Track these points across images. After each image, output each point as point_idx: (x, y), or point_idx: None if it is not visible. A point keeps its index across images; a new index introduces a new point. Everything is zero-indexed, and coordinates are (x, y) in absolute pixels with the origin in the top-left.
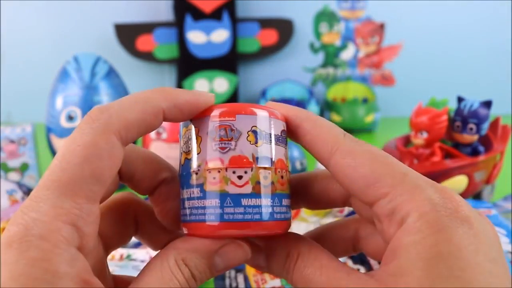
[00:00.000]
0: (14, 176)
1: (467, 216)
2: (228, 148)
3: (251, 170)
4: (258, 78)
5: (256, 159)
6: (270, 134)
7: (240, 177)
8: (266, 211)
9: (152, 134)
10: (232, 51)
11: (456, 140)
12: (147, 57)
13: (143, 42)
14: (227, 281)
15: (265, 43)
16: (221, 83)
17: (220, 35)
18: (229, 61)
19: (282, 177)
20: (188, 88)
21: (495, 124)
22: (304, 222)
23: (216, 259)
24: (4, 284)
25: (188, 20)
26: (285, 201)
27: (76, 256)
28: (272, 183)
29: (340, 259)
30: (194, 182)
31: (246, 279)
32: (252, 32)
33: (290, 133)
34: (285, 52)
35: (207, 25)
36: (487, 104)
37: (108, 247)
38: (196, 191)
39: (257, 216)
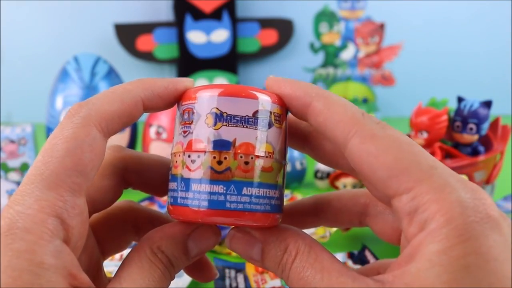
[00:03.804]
0: (14, 176)
1: (497, 221)
2: (188, 132)
3: (204, 154)
4: (258, 78)
5: (211, 142)
6: (234, 115)
7: (193, 161)
8: (213, 198)
9: (152, 134)
10: (232, 51)
11: (456, 140)
12: (147, 57)
13: (143, 42)
14: (227, 281)
15: (265, 43)
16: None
17: (220, 35)
18: (229, 61)
19: (246, 163)
20: None
21: (495, 124)
22: None
23: (189, 243)
24: None
25: (188, 20)
26: (251, 190)
27: (61, 248)
28: (229, 169)
29: (340, 258)
30: (169, 165)
31: (246, 279)
32: (252, 32)
33: (300, 113)
34: (285, 52)
35: (207, 25)
36: (487, 104)
37: (106, 252)
38: (169, 174)
39: (204, 203)
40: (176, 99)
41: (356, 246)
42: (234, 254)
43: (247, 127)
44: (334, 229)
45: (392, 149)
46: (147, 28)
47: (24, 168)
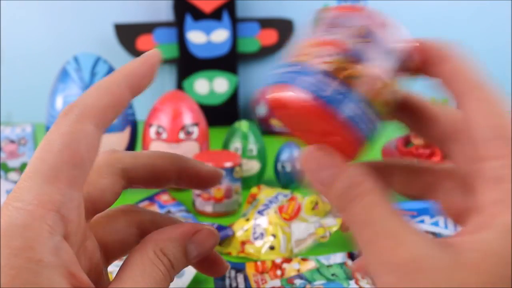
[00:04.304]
0: (14, 176)
1: None
2: (331, 33)
3: (335, 55)
4: (258, 78)
5: (346, 50)
6: (375, 39)
7: (321, 57)
8: (326, 94)
9: (152, 134)
10: (232, 51)
11: None
12: None
13: (143, 42)
14: (227, 281)
15: (265, 43)
16: (221, 83)
17: (220, 35)
18: (229, 61)
19: (366, 83)
20: (188, 88)
21: None
22: (304, 222)
23: (190, 246)
24: None
25: (188, 20)
26: (361, 107)
27: (60, 245)
28: (350, 78)
29: (340, 259)
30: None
31: (246, 279)
32: (252, 32)
33: (429, 64)
34: (285, 52)
35: (207, 25)
36: None
37: (109, 256)
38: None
39: (318, 94)
40: (153, 71)
41: (356, 246)
42: (234, 254)
43: (381, 54)
44: (334, 229)
45: (503, 116)
46: (147, 28)
47: (24, 168)
